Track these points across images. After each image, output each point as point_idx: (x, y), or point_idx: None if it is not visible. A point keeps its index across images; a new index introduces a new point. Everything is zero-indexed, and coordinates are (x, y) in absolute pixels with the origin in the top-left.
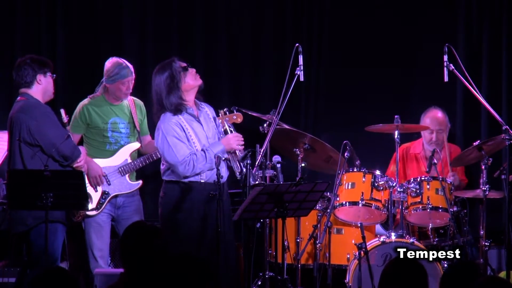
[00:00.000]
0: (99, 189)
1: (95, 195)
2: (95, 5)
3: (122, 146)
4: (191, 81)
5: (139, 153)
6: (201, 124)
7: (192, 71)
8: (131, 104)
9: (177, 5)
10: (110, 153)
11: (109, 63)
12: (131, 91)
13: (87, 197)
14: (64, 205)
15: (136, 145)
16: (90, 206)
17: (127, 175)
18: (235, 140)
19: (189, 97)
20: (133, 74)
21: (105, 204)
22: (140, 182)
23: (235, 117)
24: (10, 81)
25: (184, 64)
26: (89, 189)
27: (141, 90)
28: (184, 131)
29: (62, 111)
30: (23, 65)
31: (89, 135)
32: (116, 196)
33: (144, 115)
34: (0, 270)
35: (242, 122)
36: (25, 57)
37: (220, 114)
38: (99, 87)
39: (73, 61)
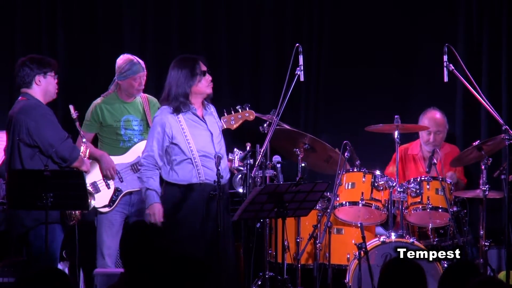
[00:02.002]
0: (112, 186)
1: (107, 192)
2: (95, 5)
3: (135, 143)
4: (204, 87)
5: None
6: (206, 123)
7: (208, 78)
8: (144, 101)
9: (177, 5)
10: (124, 151)
11: (120, 59)
12: (143, 87)
13: (87, 197)
14: (64, 205)
15: None
16: (102, 203)
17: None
18: (156, 216)
19: (196, 99)
20: (145, 70)
21: (117, 201)
22: None
23: (247, 115)
24: (10, 81)
25: (205, 69)
26: (102, 186)
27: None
28: (175, 127)
29: (71, 107)
30: (22, 65)
31: (103, 133)
32: (130, 193)
33: None
34: (0, 270)
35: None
36: (26, 57)
37: (232, 112)
38: (112, 84)
39: (73, 61)
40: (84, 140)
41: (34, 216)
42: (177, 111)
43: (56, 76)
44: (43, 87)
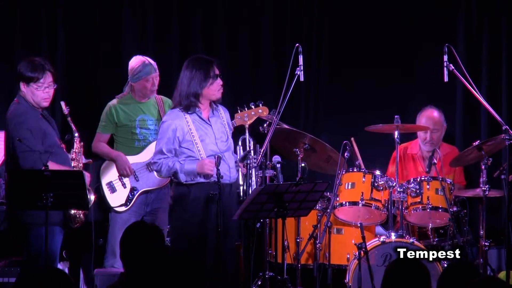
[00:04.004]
0: (128, 185)
1: (123, 191)
2: (95, 5)
3: (150, 142)
4: (214, 91)
5: None
6: (211, 125)
7: (219, 82)
8: (159, 102)
9: (177, 5)
10: (139, 150)
11: (133, 61)
12: (156, 87)
13: (87, 197)
14: (64, 205)
15: None
16: (119, 202)
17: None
18: (208, 166)
19: (204, 101)
20: (157, 71)
21: (134, 200)
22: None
23: (260, 111)
24: (10, 81)
25: (218, 72)
26: (118, 186)
27: None
28: (185, 130)
29: (62, 103)
30: (18, 67)
31: (118, 133)
32: (146, 192)
33: None
34: (0, 270)
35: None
36: (24, 60)
37: (245, 108)
38: (126, 86)
39: (73, 61)
40: (74, 150)
41: (33, 216)
42: (186, 109)
43: (48, 86)
44: (28, 94)
